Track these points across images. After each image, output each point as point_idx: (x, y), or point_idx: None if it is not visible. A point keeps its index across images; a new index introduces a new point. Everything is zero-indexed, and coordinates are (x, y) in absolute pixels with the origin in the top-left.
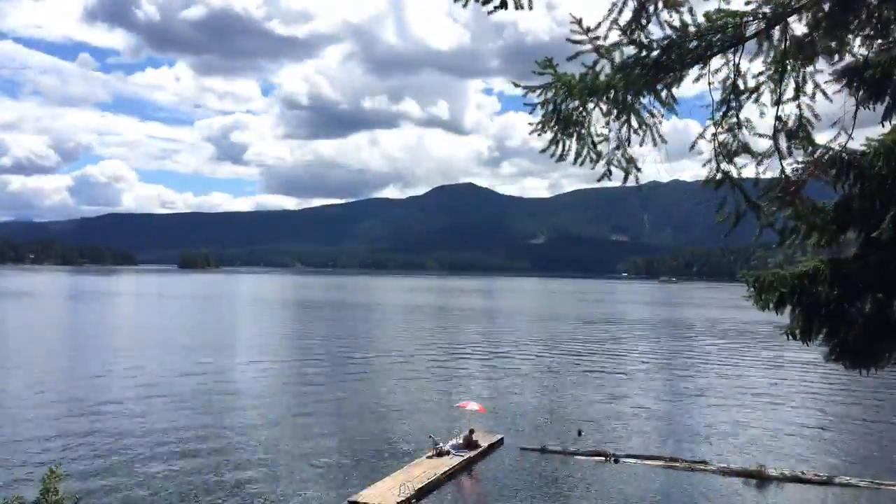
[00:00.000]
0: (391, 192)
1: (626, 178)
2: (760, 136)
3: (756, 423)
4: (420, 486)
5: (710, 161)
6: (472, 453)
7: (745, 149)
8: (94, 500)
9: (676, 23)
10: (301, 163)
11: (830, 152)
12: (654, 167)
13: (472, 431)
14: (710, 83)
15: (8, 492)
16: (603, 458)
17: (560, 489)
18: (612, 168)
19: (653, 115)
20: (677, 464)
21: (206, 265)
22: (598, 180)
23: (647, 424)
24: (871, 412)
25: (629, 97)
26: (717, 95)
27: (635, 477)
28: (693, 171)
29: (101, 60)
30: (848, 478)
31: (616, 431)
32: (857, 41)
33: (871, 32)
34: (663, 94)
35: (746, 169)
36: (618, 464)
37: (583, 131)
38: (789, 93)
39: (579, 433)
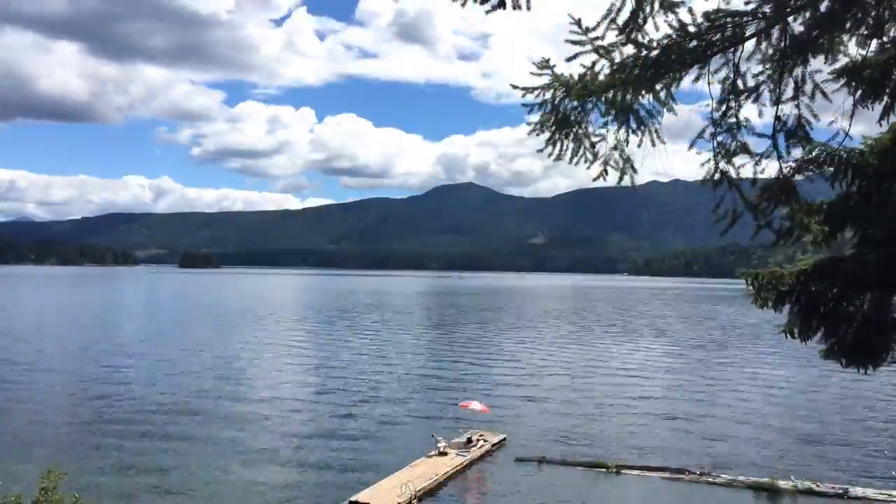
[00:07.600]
0: (391, 192)
1: (621, 179)
2: (759, 136)
3: (766, 431)
4: (421, 485)
5: (708, 161)
6: (475, 454)
7: (744, 149)
8: (94, 499)
9: (674, 23)
10: None
11: (828, 151)
12: (653, 167)
13: (474, 432)
14: (709, 83)
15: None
16: (604, 469)
17: (559, 500)
18: (609, 168)
19: (651, 115)
20: (683, 476)
21: (206, 264)
22: (594, 180)
23: (653, 432)
24: (884, 416)
25: (628, 97)
26: (717, 95)
27: (638, 489)
28: (693, 170)
29: None
30: (865, 490)
31: (618, 439)
32: (853, 41)
33: (867, 32)
34: (662, 94)
35: (744, 169)
36: (619, 475)
37: (580, 131)
38: (788, 92)
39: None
